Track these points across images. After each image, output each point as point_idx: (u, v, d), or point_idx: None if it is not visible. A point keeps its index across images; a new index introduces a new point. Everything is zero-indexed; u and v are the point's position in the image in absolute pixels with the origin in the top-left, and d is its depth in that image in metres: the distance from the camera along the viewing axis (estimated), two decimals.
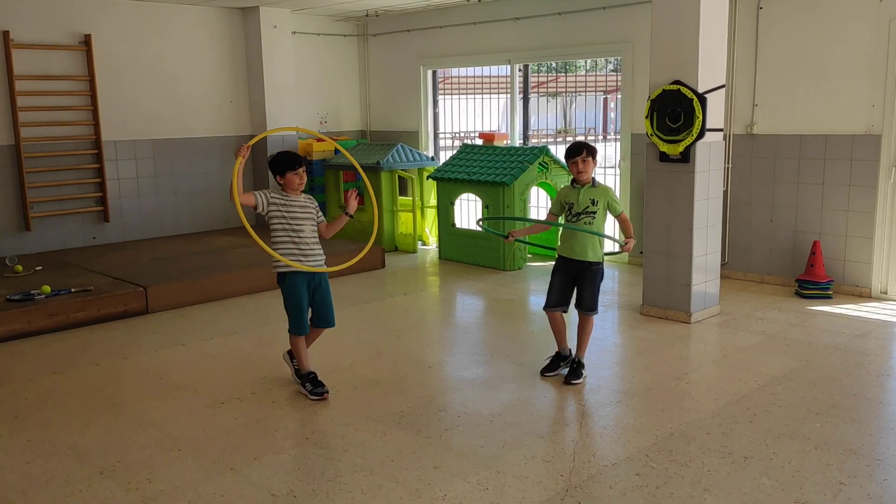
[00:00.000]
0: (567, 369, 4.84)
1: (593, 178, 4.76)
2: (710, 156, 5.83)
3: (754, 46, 6.88)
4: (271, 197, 4.45)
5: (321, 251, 4.59)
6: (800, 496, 3.30)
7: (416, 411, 4.30)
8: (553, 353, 4.95)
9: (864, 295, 6.52)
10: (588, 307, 4.79)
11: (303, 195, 4.54)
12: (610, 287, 7.34)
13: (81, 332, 5.96)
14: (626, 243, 4.68)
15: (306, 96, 9.96)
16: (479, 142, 8.93)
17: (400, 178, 9.09)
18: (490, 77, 11.29)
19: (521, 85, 9.06)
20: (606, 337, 5.78)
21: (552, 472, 3.56)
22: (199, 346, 5.58)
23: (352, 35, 10.37)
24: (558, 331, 4.92)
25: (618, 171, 8.21)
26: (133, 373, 5.07)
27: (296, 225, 4.45)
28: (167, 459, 3.76)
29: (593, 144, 4.85)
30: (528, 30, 8.59)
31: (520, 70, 9.01)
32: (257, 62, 9.28)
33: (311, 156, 9.52)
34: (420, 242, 9.26)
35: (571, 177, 4.80)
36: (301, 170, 4.47)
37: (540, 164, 7.93)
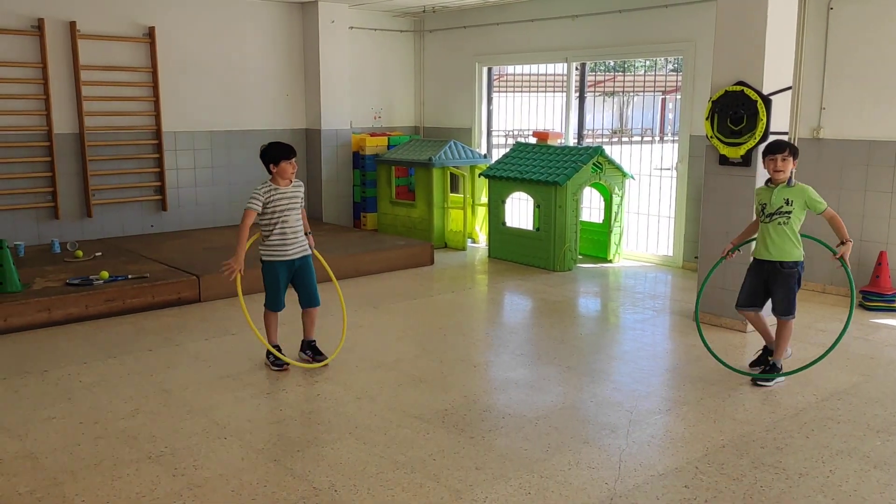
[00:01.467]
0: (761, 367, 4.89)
1: (790, 178, 4.67)
2: None
3: (823, 48, 6.64)
4: (263, 196, 4.70)
5: (303, 237, 4.89)
6: None
7: (460, 411, 4.26)
8: (762, 347, 5.01)
9: None
10: (782, 311, 4.75)
11: (292, 183, 4.81)
12: (663, 291, 7.19)
13: (136, 317, 6.08)
14: (839, 251, 4.54)
15: (361, 91, 9.99)
16: (532, 140, 8.84)
17: (452, 174, 9.06)
18: (546, 75, 11.18)
19: (577, 83, 8.93)
20: (658, 343, 5.65)
21: (597, 480, 3.48)
22: (249, 336, 5.63)
23: (408, 31, 10.37)
24: (759, 328, 4.94)
25: (674, 174, 8.03)
26: (184, 360, 5.14)
27: (282, 217, 4.74)
28: (213, 447, 3.79)
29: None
30: (586, 28, 8.46)
31: (577, 68, 8.88)
32: (314, 57, 9.34)
33: (364, 150, 9.56)
34: (470, 240, 9.22)
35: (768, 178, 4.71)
36: (294, 159, 4.76)
37: (594, 164, 7.80)
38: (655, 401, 4.46)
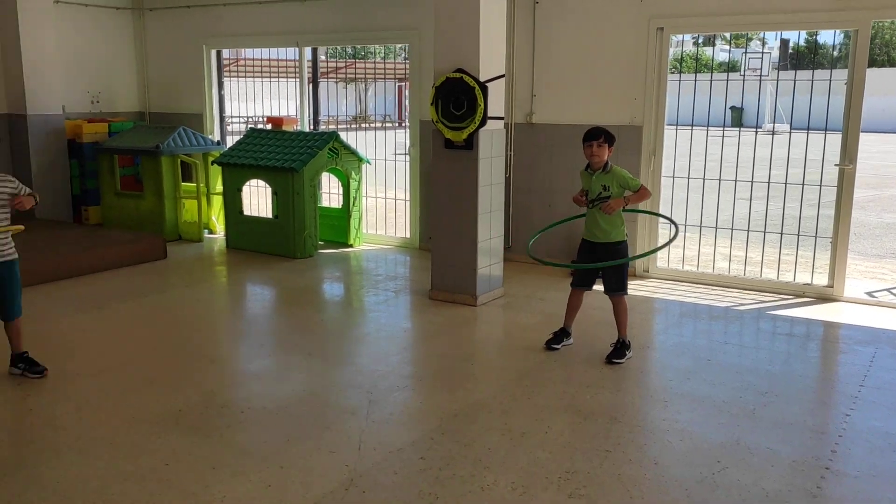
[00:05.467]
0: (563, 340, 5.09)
1: (606, 163, 4.77)
2: (492, 143, 6.03)
3: (532, 40, 7.22)
4: None
5: (8, 240, 4.38)
6: (570, 465, 3.50)
7: (196, 409, 4.07)
8: (559, 328, 5.13)
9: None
10: (614, 288, 4.88)
11: None
12: (401, 273, 7.43)
13: None
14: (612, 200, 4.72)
15: (75, 73, 9.08)
16: (267, 126, 8.63)
17: (183, 163, 8.58)
18: (286, 60, 10.98)
19: (310, 69, 8.87)
20: (396, 322, 5.83)
21: (337, 463, 3.51)
22: None
23: (125, 8, 9.59)
24: (571, 307, 5.09)
25: (408, 158, 8.30)
26: None
27: None
28: None
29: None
30: (316, 12, 8.41)
31: (310, 54, 8.81)
32: (12, 34, 8.29)
33: (80, 138, 8.73)
34: (207, 231, 8.82)
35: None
36: None
37: (330, 149, 7.81)
38: (394, 379, 4.59)
